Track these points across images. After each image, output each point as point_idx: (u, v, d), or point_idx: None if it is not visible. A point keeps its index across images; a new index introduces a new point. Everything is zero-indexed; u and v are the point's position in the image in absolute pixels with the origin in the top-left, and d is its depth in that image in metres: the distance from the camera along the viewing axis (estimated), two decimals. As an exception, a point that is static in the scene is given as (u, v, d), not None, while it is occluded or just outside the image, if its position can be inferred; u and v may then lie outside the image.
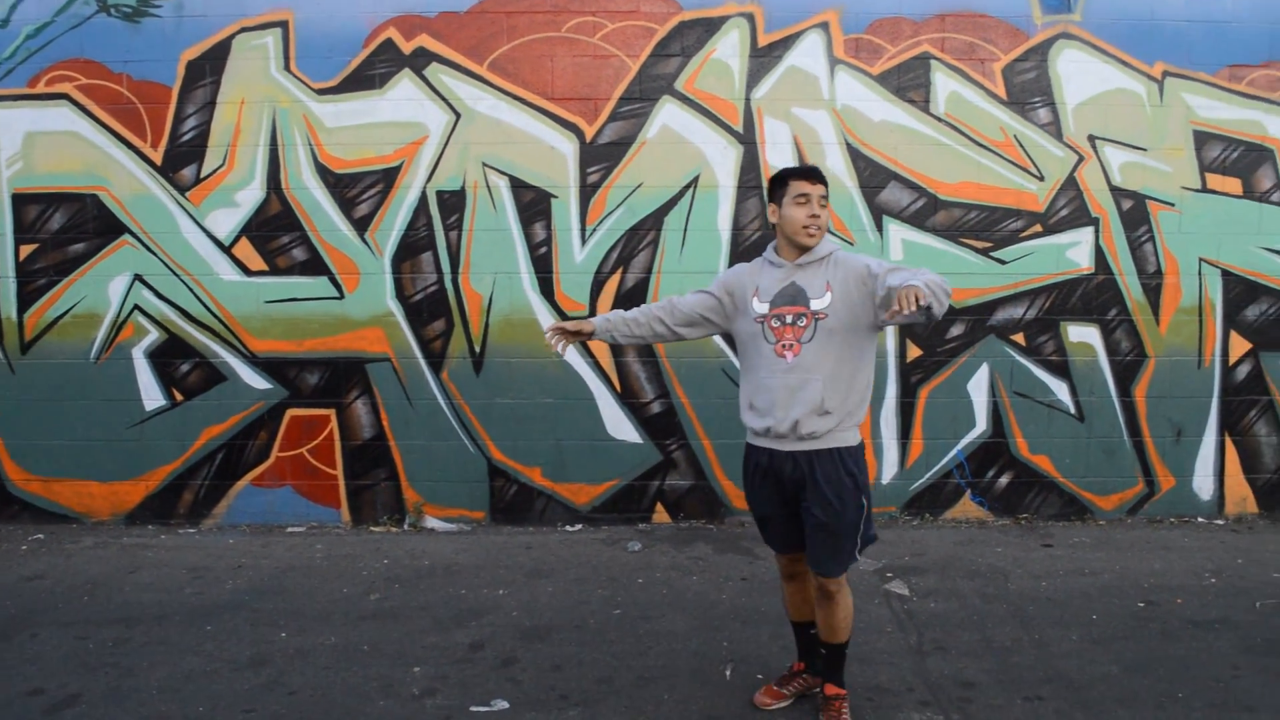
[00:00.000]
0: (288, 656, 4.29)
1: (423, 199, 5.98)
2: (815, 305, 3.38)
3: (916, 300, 2.89)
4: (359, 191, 5.99)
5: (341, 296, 6.04)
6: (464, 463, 6.13)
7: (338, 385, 6.10)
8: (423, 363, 6.08)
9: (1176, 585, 5.09)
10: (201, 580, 5.27)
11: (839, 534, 3.44)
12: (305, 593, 5.08)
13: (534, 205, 6.00)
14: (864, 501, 3.48)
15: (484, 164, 5.96)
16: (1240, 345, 6.17)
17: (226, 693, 3.94)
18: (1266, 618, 4.64)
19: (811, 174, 3.42)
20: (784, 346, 3.39)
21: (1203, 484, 6.25)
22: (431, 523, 6.14)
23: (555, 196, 5.99)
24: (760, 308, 3.44)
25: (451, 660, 4.25)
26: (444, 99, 5.93)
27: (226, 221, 6.03)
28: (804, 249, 3.42)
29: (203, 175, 6.00)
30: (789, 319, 3.39)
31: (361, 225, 6.00)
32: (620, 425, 6.11)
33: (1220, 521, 6.24)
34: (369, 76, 5.94)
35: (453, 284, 6.02)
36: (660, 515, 6.20)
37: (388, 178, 5.98)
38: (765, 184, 5.85)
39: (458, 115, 5.94)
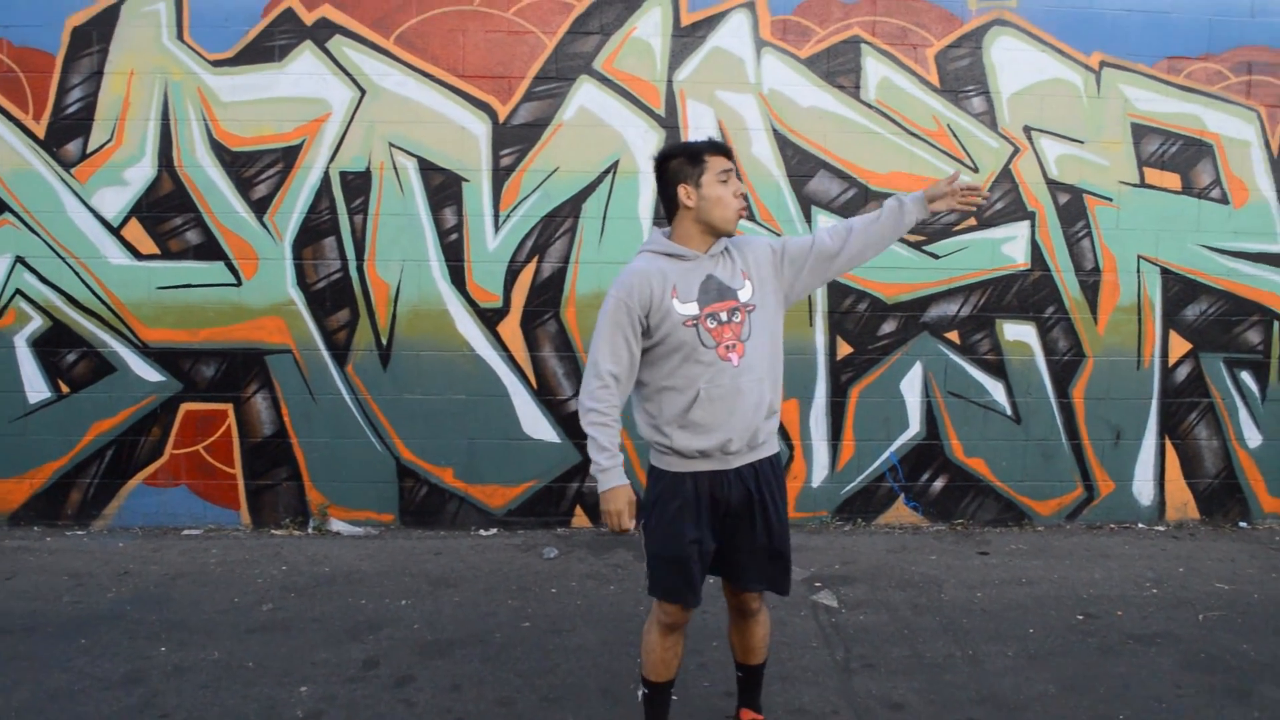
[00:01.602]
0: (165, 674, 3.96)
1: (325, 180, 5.64)
2: (743, 297, 3.06)
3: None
4: (257, 171, 5.62)
5: (239, 283, 5.68)
6: (371, 462, 5.79)
7: (235, 378, 5.73)
8: (326, 355, 5.73)
9: (1116, 596, 4.91)
10: (82, 588, 4.90)
11: (784, 549, 3.21)
12: (192, 602, 4.73)
13: (444, 189, 5.67)
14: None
15: (391, 144, 5.63)
16: (1180, 345, 6.00)
17: (92, 715, 3.62)
18: (1209, 631, 4.47)
19: (727, 148, 3.11)
20: (728, 348, 3.01)
21: (1143, 489, 6.07)
22: (337, 526, 5.77)
23: (467, 180, 5.67)
24: (687, 309, 2.99)
25: (343, 679, 3.94)
26: (348, 74, 5.60)
27: (115, 201, 5.64)
28: (720, 236, 3.08)
29: (89, 151, 5.61)
30: (724, 316, 3.03)
31: (260, 207, 5.64)
32: (537, 423, 5.80)
33: (1161, 528, 6.07)
34: (268, 48, 5.59)
35: (358, 272, 5.68)
36: (580, 519, 5.88)
37: (288, 157, 5.63)
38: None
39: (363, 92, 5.61)
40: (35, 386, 5.70)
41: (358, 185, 5.65)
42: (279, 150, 5.63)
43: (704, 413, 3.00)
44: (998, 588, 5.01)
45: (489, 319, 5.73)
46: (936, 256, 5.83)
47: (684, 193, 3.03)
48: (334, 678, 3.94)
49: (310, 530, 5.77)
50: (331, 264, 5.67)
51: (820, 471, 5.93)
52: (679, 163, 3.05)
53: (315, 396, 5.73)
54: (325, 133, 5.62)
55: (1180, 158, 5.90)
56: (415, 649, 4.23)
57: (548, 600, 4.81)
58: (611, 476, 2.99)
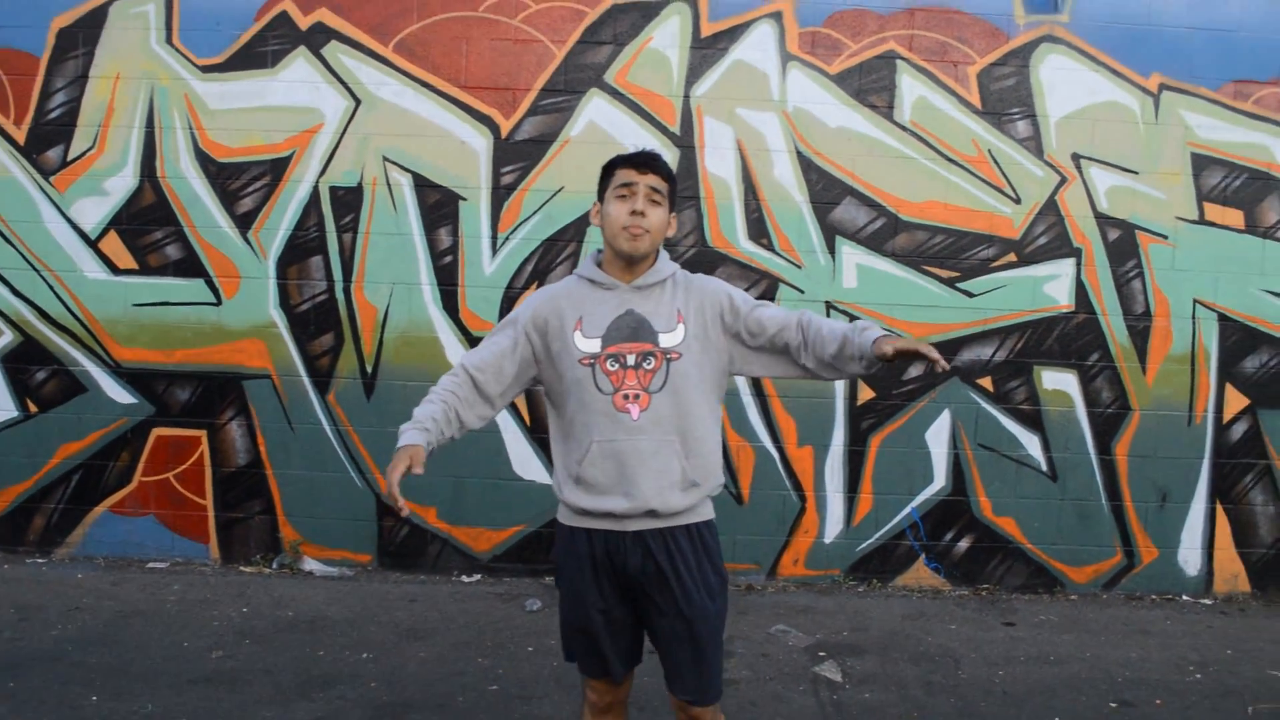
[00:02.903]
0: (89, 728, 3.59)
1: (314, 195, 5.30)
2: (665, 342, 2.59)
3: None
4: (243, 184, 5.30)
5: (219, 302, 5.35)
6: (349, 498, 5.43)
7: (210, 403, 5.40)
8: (307, 382, 5.38)
9: (1155, 680, 4.42)
10: (27, 623, 4.58)
11: (705, 642, 2.65)
12: (139, 645, 4.39)
13: (440, 207, 5.31)
14: (725, 599, 2.73)
15: (385, 158, 5.28)
16: (1237, 400, 5.48)
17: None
18: (1259, 728, 3.97)
19: (641, 160, 2.63)
20: (625, 398, 2.57)
21: (1189, 557, 5.55)
22: (310, 565, 5.42)
23: (464, 199, 5.30)
24: (588, 345, 2.59)
25: (282, 743, 3.55)
26: (343, 82, 5.26)
27: (94, 212, 5.34)
28: (632, 262, 2.62)
29: (70, 158, 5.32)
30: (630, 360, 2.58)
31: (244, 222, 5.32)
32: (528, 463, 5.41)
33: (1208, 601, 5.54)
34: (260, 54, 5.27)
35: (344, 294, 5.33)
36: (570, 566, 5.46)
37: (276, 169, 5.29)
38: (703, 193, 5.28)
39: (358, 101, 5.27)
40: (2, 405, 5.43)
41: (348, 201, 5.31)
42: (267, 162, 5.30)
43: (594, 470, 2.58)
44: (1023, 665, 4.55)
45: (482, 348, 5.33)
46: (971, 295, 5.38)
47: (594, 211, 2.71)
48: (274, 742, 3.57)
49: (280, 568, 5.41)
50: (317, 285, 5.34)
51: (834, 526, 5.48)
52: (600, 177, 2.71)
53: (294, 425, 5.38)
54: (316, 144, 5.30)
55: (1245, 192, 5.40)
56: (368, 711, 3.85)
57: (522, 660, 4.41)
58: (404, 438, 2.53)
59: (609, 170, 2.67)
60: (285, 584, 5.25)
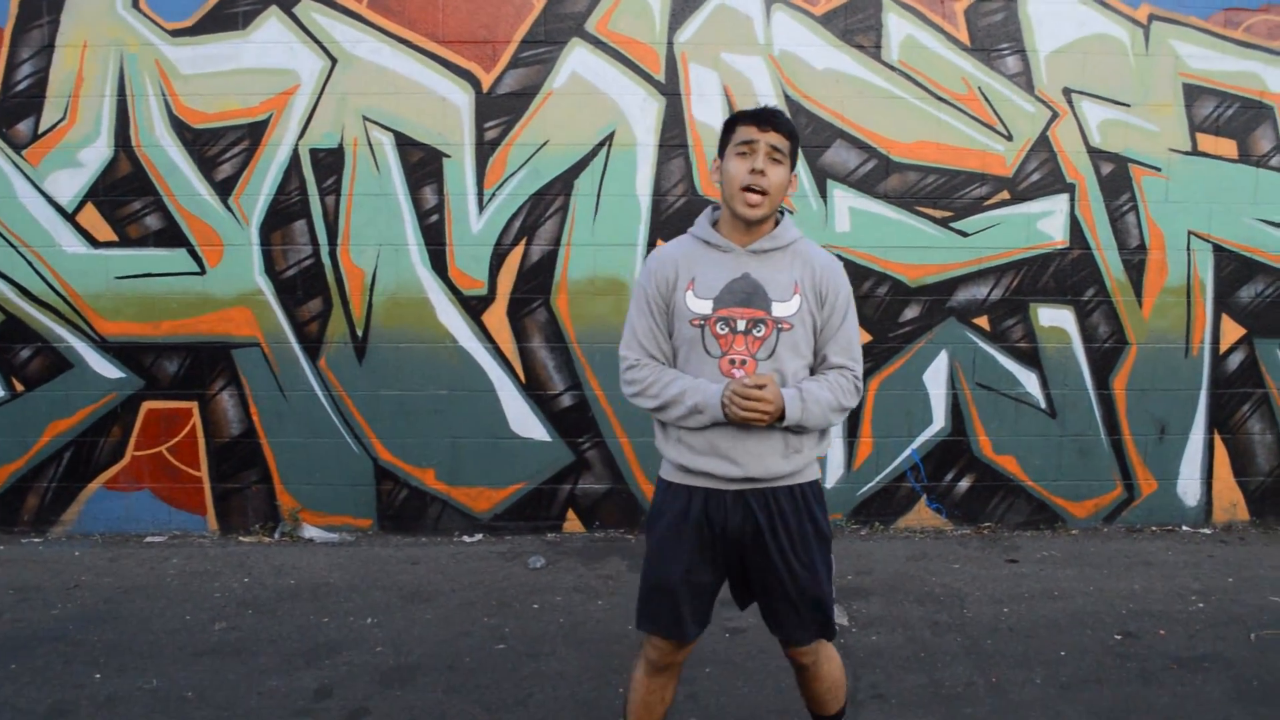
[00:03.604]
0: (95, 706, 3.57)
1: (295, 158, 5.18)
2: (779, 311, 2.58)
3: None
4: (221, 150, 5.18)
5: (203, 272, 5.25)
6: (346, 463, 5.37)
7: (200, 374, 5.32)
8: (297, 348, 5.30)
9: (1159, 611, 4.44)
10: (27, 603, 4.52)
11: (801, 595, 2.68)
12: (141, 620, 4.34)
13: (423, 166, 5.20)
14: (830, 557, 2.76)
15: (365, 118, 5.16)
16: (1233, 331, 5.46)
17: (4, 753, 3.23)
18: (1263, 653, 4.01)
19: (764, 117, 2.56)
20: (732, 363, 2.57)
21: (1188, 488, 5.56)
22: (310, 532, 5.37)
23: (448, 156, 5.19)
24: (699, 306, 2.58)
25: (289, 712, 3.54)
26: (318, 42, 5.13)
27: (69, 185, 5.21)
28: (751, 225, 2.60)
29: (41, 131, 5.18)
30: (741, 325, 2.57)
31: (224, 189, 5.20)
32: (526, 421, 5.35)
33: (1207, 531, 5.57)
34: (230, 15, 5.12)
35: (330, 257, 5.24)
36: (572, 523, 5.45)
37: (254, 133, 5.17)
38: (690, 141, 5.19)
39: (334, 61, 5.14)
40: (-12, 384, 5.32)
41: (330, 163, 5.20)
42: (244, 126, 5.18)
43: (699, 434, 2.60)
44: (1027, 602, 4.56)
45: (473, 307, 5.27)
46: (965, 234, 5.32)
47: (714, 165, 2.67)
48: (280, 710, 3.55)
49: (279, 537, 5.37)
50: (302, 250, 5.24)
51: (835, 471, 5.46)
52: (721, 132, 2.66)
53: (286, 393, 5.31)
54: (294, 107, 5.17)
55: (1237, 122, 5.34)
56: (375, 676, 3.83)
57: (528, 617, 4.40)
58: (706, 394, 2.55)
59: (730, 126, 2.61)
60: (286, 552, 5.20)
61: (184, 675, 3.82)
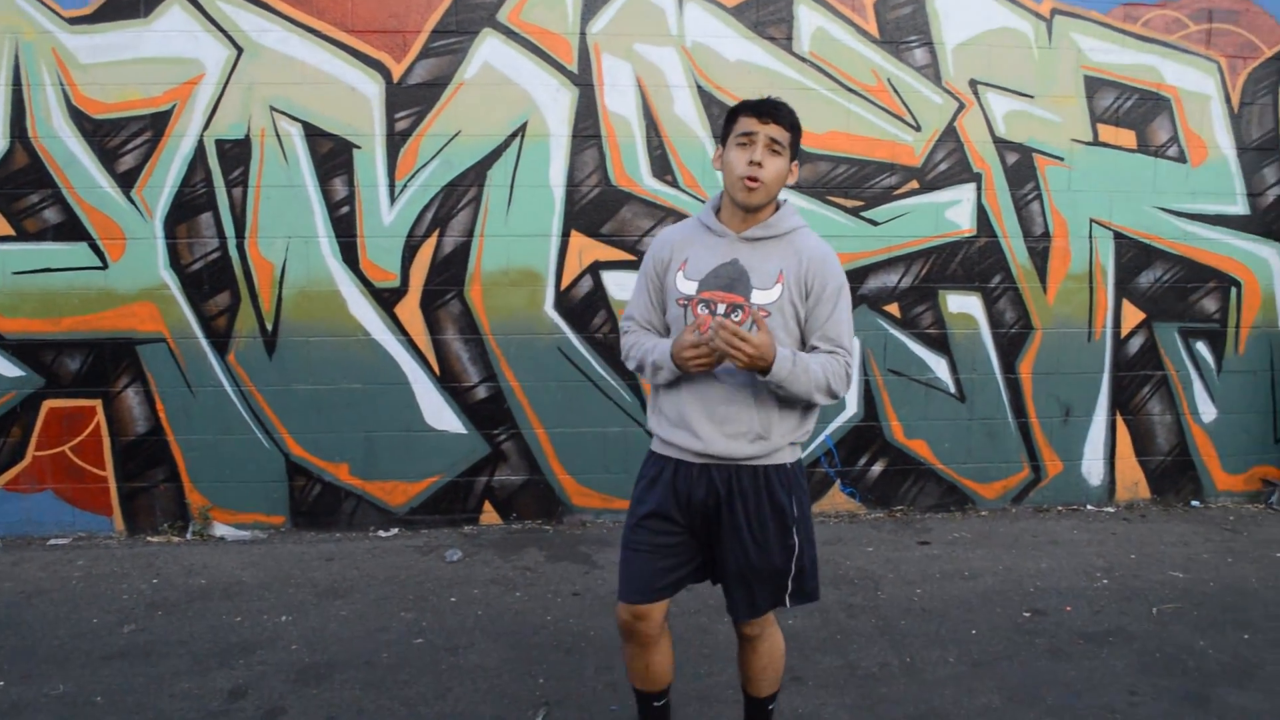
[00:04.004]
0: (-1, 714, 3.46)
1: (200, 150, 5.06)
2: (758, 298, 2.65)
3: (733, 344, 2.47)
4: (123, 141, 5.04)
5: (105, 266, 5.11)
6: (257, 460, 5.27)
7: (104, 371, 5.17)
8: (205, 343, 5.19)
9: (1065, 588, 4.60)
10: (-77, 611, 4.36)
11: (753, 573, 2.77)
12: (47, 625, 4.22)
13: (333, 157, 5.12)
14: (794, 539, 2.78)
15: (272, 108, 5.06)
16: (1133, 315, 5.64)
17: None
18: (1164, 626, 4.17)
19: (764, 109, 2.64)
20: None
21: (1092, 468, 5.73)
22: (221, 530, 5.27)
23: (358, 147, 5.12)
24: (686, 286, 2.70)
25: (203, 714, 3.47)
26: (223, 30, 5.01)
27: (-38, 177, 5.03)
28: (749, 212, 2.68)
29: (-68, 122, 4.98)
30: (720, 310, 2.66)
31: (126, 181, 5.06)
32: (440, 413, 5.31)
33: (1111, 509, 5.74)
34: (131, 3, 4.97)
35: (238, 250, 5.13)
36: (489, 515, 5.42)
37: (157, 124, 5.04)
38: (604, 131, 5.18)
39: (239, 50, 5.03)
40: (-121, 385, 5.12)
41: (236, 154, 5.09)
42: (147, 117, 5.04)
43: (671, 405, 2.75)
44: (939, 583, 4.68)
45: (385, 300, 5.21)
46: (875, 223, 5.40)
47: (715, 155, 2.76)
48: (192, 712, 3.48)
49: (190, 536, 5.26)
50: (209, 243, 5.12)
51: (752, 459, 5.49)
52: (724, 121, 2.75)
53: (194, 389, 5.20)
54: (198, 96, 5.05)
55: (1136, 113, 5.50)
56: (290, 674, 3.78)
57: (446, 611, 4.37)
58: (663, 350, 2.71)
59: (732, 116, 2.69)
60: (196, 552, 5.10)
61: (92, 680, 3.72)
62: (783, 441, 2.73)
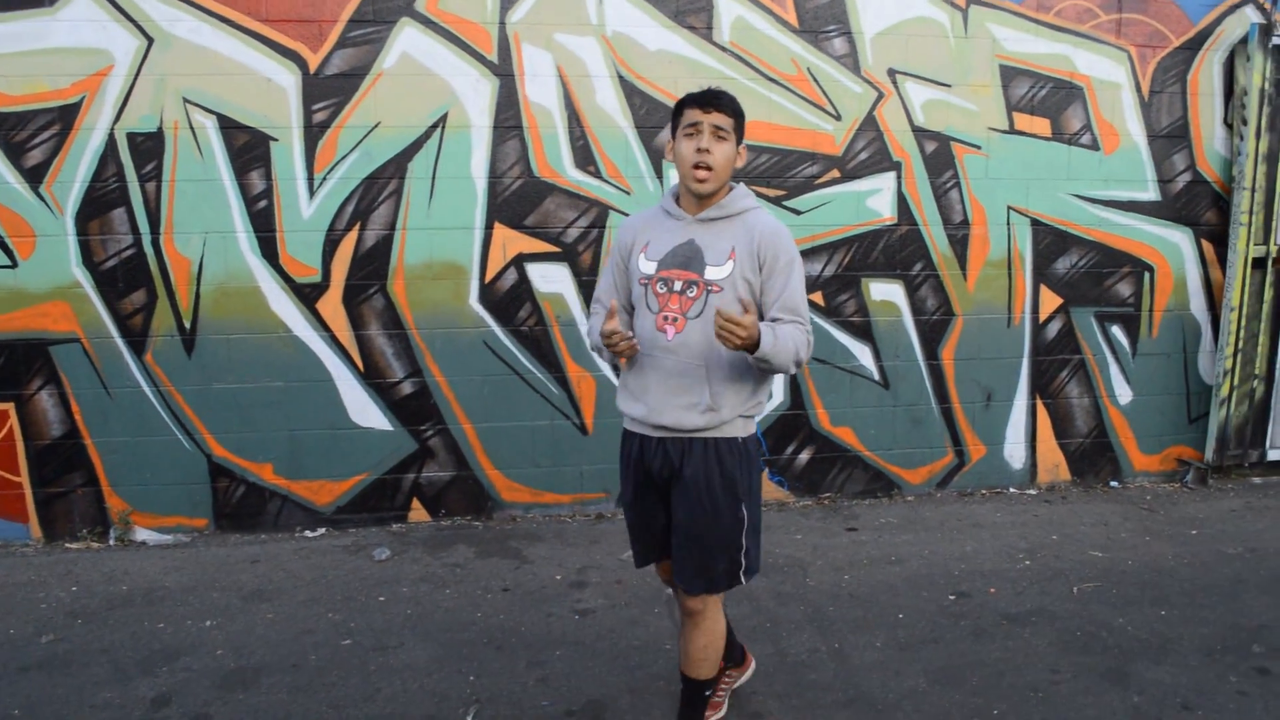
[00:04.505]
0: (-93, 732, 3.36)
1: (111, 143, 4.93)
2: (711, 274, 2.81)
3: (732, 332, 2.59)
4: (29, 134, 4.89)
5: (14, 265, 4.95)
6: (179, 462, 5.16)
7: (16, 373, 5.03)
8: (121, 343, 5.06)
9: (989, 570, 4.69)
10: None
11: (699, 541, 2.90)
12: (-41, 637, 4.08)
13: (250, 150, 5.02)
14: (743, 512, 2.93)
15: (186, 100, 4.95)
16: (1051, 300, 5.75)
17: None
18: (1085, 605, 4.28)
19: (706, 100, 2.81)
20: (666, 319, 2.84)
21: (1014, 452, 5.84)
22: (142, 535, 5.16)
23: (275, 139, 5.03)
24: (647, 267, 2.90)
25: (125, 724, 3.38)
26: (132, 20, 4.88)
27: None
28: (701, 196, 2.85)
29: None
30: (677, 286, 2.83)
31: (34, 176, 4.91)
32: (365, 410, 5.25)
33: (1032, 491, 5.86)
34: (35, -8, 4.82)
35: (153, 247, 5.01)
36: (418, 513, 5.37)
37: (65, 117, 4.89)
38: (525, 122, 5.15)
39: (150, 40, 4.90)
40: None
41: (149, 148, 4.96)
42: (54, 110, 4.89)
43: (630, 379, 2.96)
44: (866, 568, 4.74)
45: (307, 295, 5.13)
46: (798, 212, 5.44)
47: (668, 148, 2.93)
48: (115, 723, 3.39)
49: (112, 542, 5.14)
50: (122, 239, 5.00)
51: (680, 449, 5.50)
52: (672, 114, 2.93)
53: (110, 390, 5.07)
54: (108, 88, 4.91)
55: (1050, 101, 5.60)
56: (216, 680, 3.71)
57: (374, 611, 4.33)
58: (593, 330, 3.06)
59: (679, 110, 2.85)
60: (117, 557, 4.98)
61: (9, 692, 3.62)
62: (732, 414, 2.85)
